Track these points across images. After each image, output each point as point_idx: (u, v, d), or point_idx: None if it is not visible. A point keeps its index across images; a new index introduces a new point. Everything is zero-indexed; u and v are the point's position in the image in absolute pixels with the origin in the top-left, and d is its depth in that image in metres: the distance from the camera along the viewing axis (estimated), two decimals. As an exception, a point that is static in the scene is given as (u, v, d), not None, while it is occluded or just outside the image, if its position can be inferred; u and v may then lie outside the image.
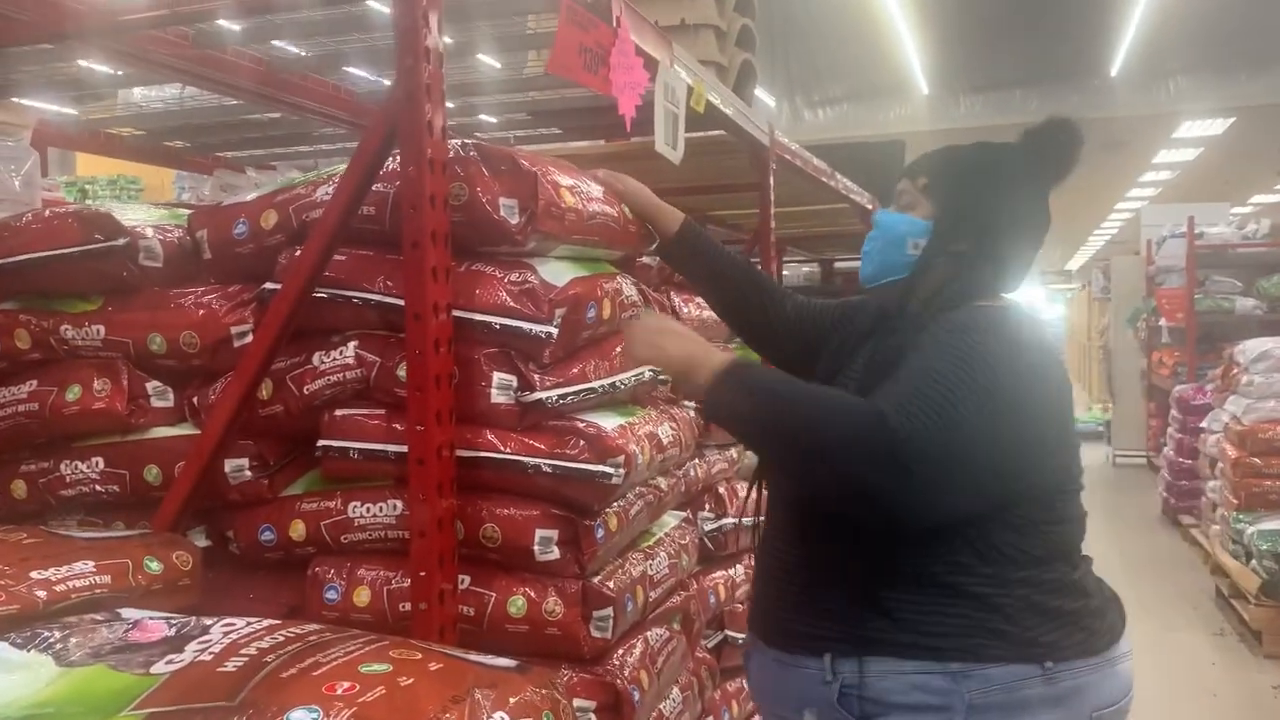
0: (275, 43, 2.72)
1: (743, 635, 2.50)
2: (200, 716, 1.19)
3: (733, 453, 2.72)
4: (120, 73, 3.09)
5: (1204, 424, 6.92)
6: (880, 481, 1.35)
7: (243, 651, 1.33)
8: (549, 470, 1.69)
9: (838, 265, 6.88)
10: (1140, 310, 9.93)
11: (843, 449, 1.37)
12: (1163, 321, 9.12)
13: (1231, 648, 5.15)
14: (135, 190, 7.71)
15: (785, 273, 6.76)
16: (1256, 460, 5.85)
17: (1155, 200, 18.48)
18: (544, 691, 1.39)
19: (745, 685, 1.90)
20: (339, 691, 1.23)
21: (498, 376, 1.69)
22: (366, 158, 1.67)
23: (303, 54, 2.82)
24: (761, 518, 1.72)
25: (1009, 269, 1.68)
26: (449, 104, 3.43)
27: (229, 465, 1.82)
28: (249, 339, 1.81)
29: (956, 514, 1.43)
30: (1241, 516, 5.65)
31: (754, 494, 1.74)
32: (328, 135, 3.67)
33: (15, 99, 3.03)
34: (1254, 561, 5.16)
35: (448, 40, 2.79)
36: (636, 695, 1.74)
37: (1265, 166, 15.25)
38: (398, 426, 1.70)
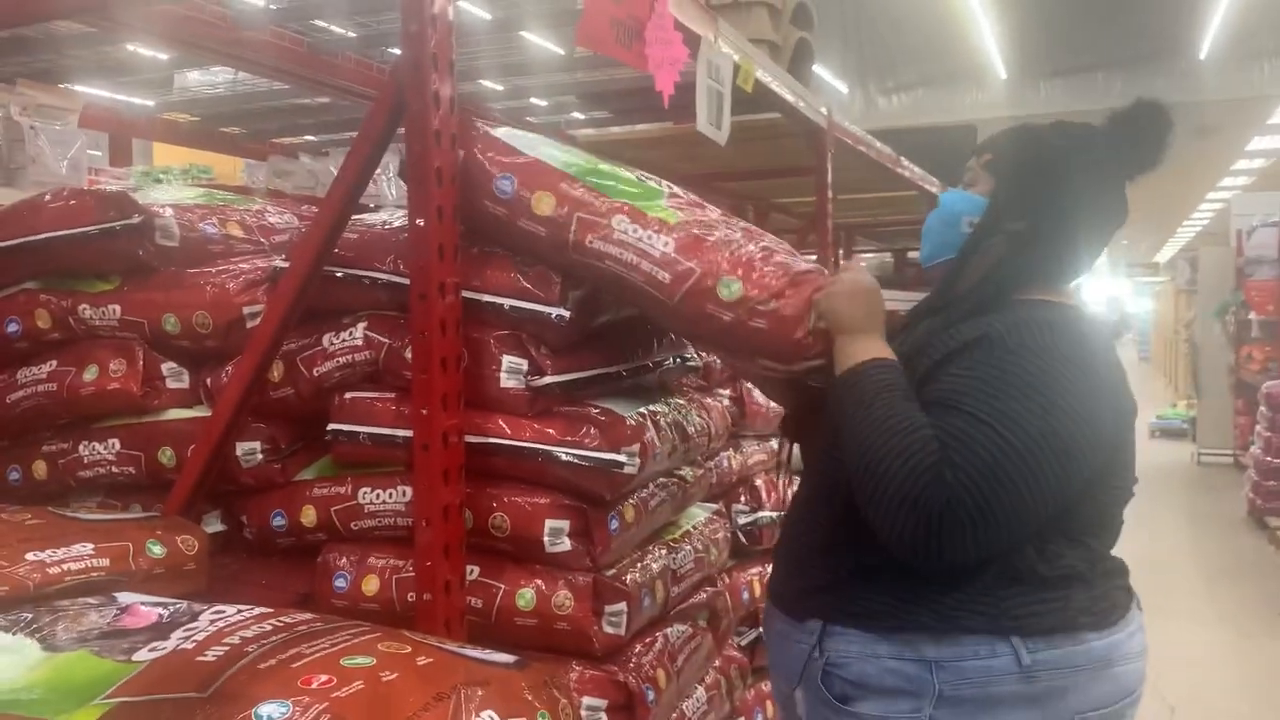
0: (317, 22, 2.70)
1: (779, 633, 2.42)
2: (168, 707, 1.15)
3: (773, 443, 2.62)
4: (166, 57, 3.11)
5: (1293, 421, 6.60)
6: (917, 533, 1.34)
7: (226, 640, 1.29)
8: (560, 458, 1.62)
9: (910, 255, 6.70)
10: (1228, 303, 9.53)
11: (894, 495, 1.35)
12: (1252, 315, 8.75)
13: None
14: (206, 179, 7.88)
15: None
16: (1348, 460, 5.55)
17: (1248, 189, 17.76)
18: (542, 690, 1.32)
19: None
20: (314, 685, 1.18)
21: (508, 360, 1.63)
22: (374, 131, 1.61)
23: (347, 34, 2.80)
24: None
25: (1069, 257, 1.56)
26: (497, 85, 3.40)
27: (241, 448, 1.79)
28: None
29: (981, 555, 1.39)
30: (1330, 519, 5.36)
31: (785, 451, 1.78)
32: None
33: (64, 84, 3.06)
34: (1343, 567, 4.89)
35: (487, 16, 2.74)
36: (651, 694, 1.67)
37: (1366, 153, 14.56)
38: (406, 411, 1.65)
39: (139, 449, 1.85)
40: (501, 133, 1.62)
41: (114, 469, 1.86)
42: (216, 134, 4.09)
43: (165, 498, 1.77)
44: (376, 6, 2.47)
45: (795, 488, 1.70)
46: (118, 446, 1.86)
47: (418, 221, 1.53)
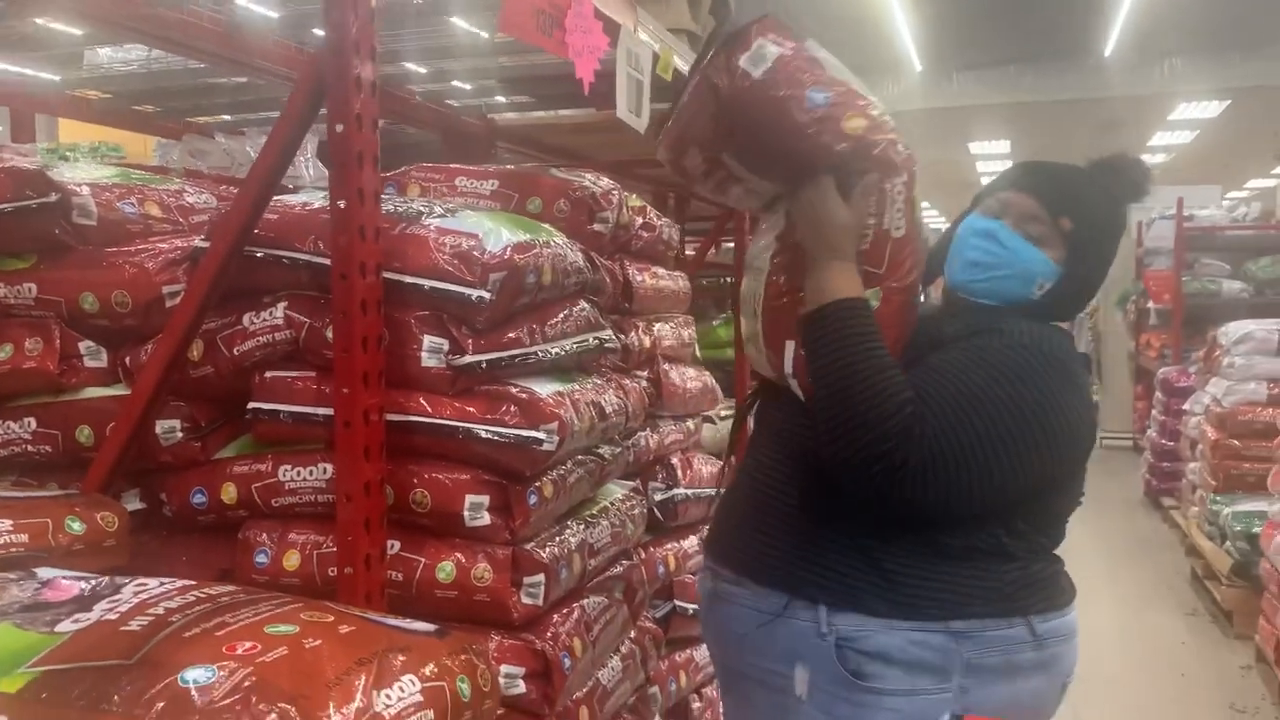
0: (239, 2, 2.68)
1: (693, 606, 2.49)
2: (95, 674, 1.17)
3: (689, 424, 2.70)
4: (80, 33, 3.05)
5: (1186, 406, 6.91)
6: (873, 476, 1.42)
7: (149, 611, 1.31)
8: (480, 435, 1.66)
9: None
10: (1129, 292, 9.90)
11: (864, 433, 1.42)
12: (1150, 304, 9.10)
13: (1203, 628, 5.16)
14: (116, 157, 7.67)
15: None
16: (1235, 442, 5.84)
17: (1154, 182, 18.38)
18: (461, 656, 1.37)
19: (703, 637, 1.84)
20: (239, 651, 1.21)
21: (428, 339, 1.67)
22: (295, 112, 1.64)
23: (269, 13, 2.78)
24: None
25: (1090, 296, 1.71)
26: (420, 68, 3.40)
27: (160, 426, 1.80)
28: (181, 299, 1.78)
29: (941, 512, 1.47)
30: (1219, 498, 5.64)
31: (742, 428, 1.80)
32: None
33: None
34: (1228, 543, 5.16)
35: (418, 0, 2.75)
36: (568, 662, 1.73)
37: (1262, 150, 15.18)
38: (327, 389, 1.68)
39: (56, 427, 1.84)
40: (821, 55, 1.57)
41: (30, 447, 1.86)
42: (129, 112, 4.01)
43: (83, 476, 1.77)
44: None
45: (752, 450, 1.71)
46: (34, 425, 1.85)
47: (339, 203, 1.56)
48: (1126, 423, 10.42)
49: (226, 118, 4.19)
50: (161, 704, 1.12)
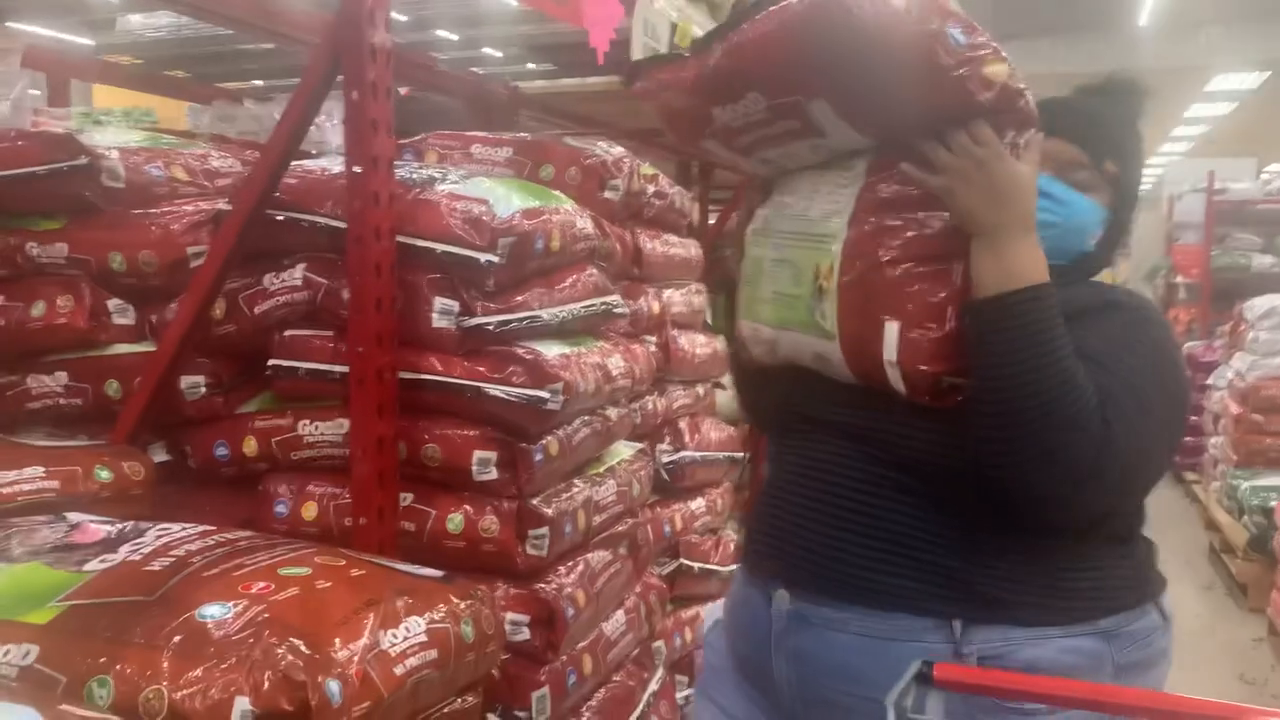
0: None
1: (699, 564, 2.56)
2: (118, 609, 1.25)
3: (699, 389, 2.76)
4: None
5: (1210, 380, 6.89)
6: (1062, 488, 1.27)
7: (171, 553, 1.39)
8: (488, 394, 1.73)
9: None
10: (1159, 266, 9.84)
11: (1072, 450, 1.25)
12: (1179, 278, 9.04)
13: (1218, 601, 5.18)
14: (149, 122, 7.78)
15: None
16: (1258, 417, 5.83)
17: (1189, 156, 18.16)
18: (466, 602, 1.44)
19: (711, 635, 1.62)
20: (254, 590, 1.29)
21: (439, 301, 1.73)
22: (313, 80, 1.70)
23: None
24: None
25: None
26: (452, 35, 3.45)
27: (185, 382, 1.88)
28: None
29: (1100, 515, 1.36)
30: (1238, 473, 5.65)
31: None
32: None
33: (8, 23, 3.07)
34: (1245, 517, 5.17)
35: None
36: (570, 611, 1.80)
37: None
38: (343, 348, 1.75)
39: (86, 381, 1.93)
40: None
41: (61, 400, 1.94)
42: (160, 77, 4.09)
43: (111, 429, 1.87)
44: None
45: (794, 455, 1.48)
46: (65, 379, 1.94)
47: (355, 169, 1.63)
48: (1153, 397, 10.37)
49: (257, 83, 4.26)
50: (179, 636, 1.20)
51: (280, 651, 1.20)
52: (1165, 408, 1.32)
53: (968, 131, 1.24)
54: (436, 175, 1.84)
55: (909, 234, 1.28)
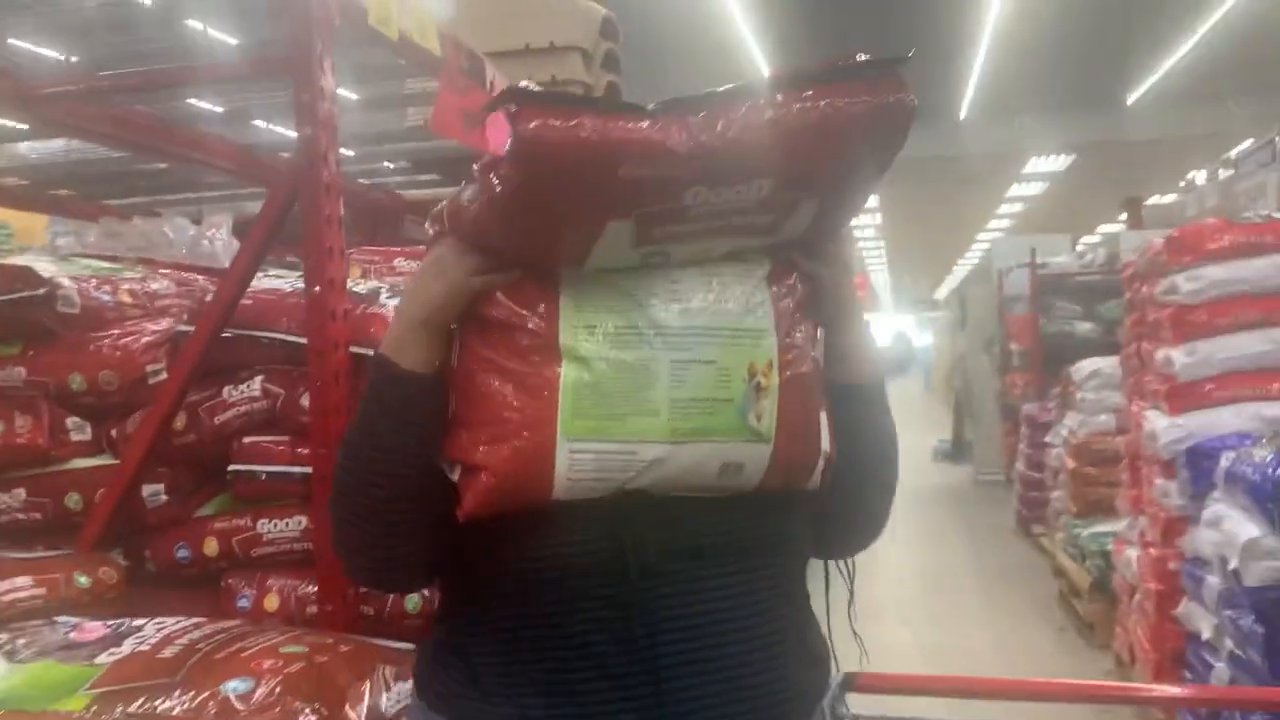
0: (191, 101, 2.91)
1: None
2: (147, 691, 1.42)
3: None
4: (19, 127, 3.23)
5: (1048, 439, 7.50)
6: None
7: (177, 641, 1.56)
8: (438, 484, 1.94)
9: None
10: (995, 336, 10.62)
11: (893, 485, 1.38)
12: (1014, 345, 9.79)
13: (1070, 641, 5.64)
14: (4, 234, 7.64)
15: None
16: (1091, 470, 6.39)
17: (1012, 230, 19.61)
18: (437, 669, 1.64)
19: None
20: (265, 666, 1.47)
21: (391, 403, 1.94)
22: (271, 212, 1.91)
23: (215, 108, 3.02)
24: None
25: None
26: (351, 151, 3.67)
27: (146, 490, 2.02)
28: (163, 376, 2.02)
29: None
30: (1078, 522, 6.17)
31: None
32: (213, 183, 3.84)
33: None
34: (1087, 562, 5.67)
35: (354, 96, 3.04)
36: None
37: (1108, 199, 16.43)
38: (302, 450, 1.93)
39: (46, 495, 2.05)
40: None
41: (20, 515, 2.05)
42: (46, 196, 4.16)
43: (67, 539, 2.00)
44: (243, 88, 2.72)
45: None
46: (24, 495, 2.05)
47: (315, 288, 1.84)
48: (998, 459, 11.10)
49: (141, 199, 4.36)
50: (213, 707, 1.37)
51: (305, 715, 1.39)
52: None
53: None
54: (378, 288, 2.06)
55: (812, 325, 1.28)
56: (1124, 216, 10.58)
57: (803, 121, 1.09)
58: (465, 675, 1.23)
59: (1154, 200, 11.13)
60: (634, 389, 1.16)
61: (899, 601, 6.43)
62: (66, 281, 2.09)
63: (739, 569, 1.23)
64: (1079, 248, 11.19)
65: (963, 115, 12.29)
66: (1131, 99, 12.59)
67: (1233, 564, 2.91)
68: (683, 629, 1.18)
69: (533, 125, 1.02)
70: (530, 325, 1.16)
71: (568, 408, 1.14)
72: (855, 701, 1.39)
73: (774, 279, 1.24)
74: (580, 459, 1.14)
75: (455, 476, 1.16)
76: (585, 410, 1.14)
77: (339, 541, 1.24)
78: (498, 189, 1.07)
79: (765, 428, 1.20)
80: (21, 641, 1.58)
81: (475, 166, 1.11)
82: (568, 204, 1.10)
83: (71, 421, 2.08)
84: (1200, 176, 7.44)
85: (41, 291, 2.03)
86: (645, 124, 1.07)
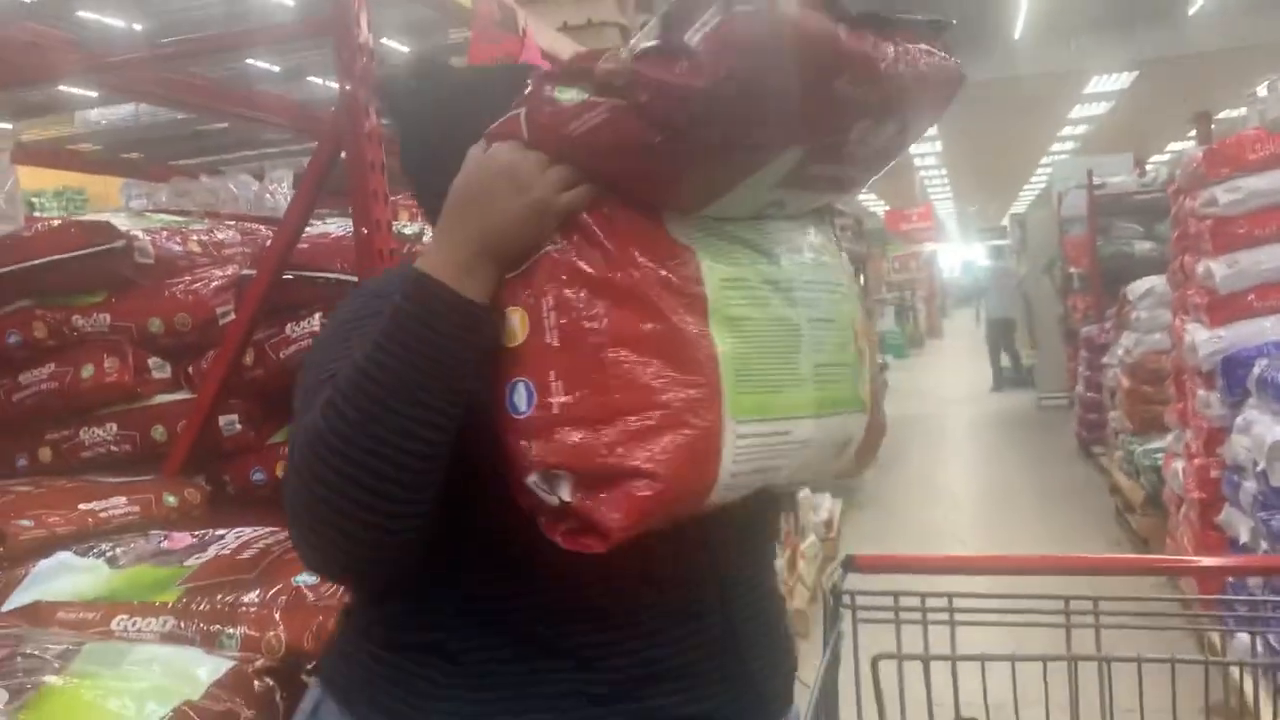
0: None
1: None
2: (228, 585, 1.62)
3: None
4: (90, 95, 3.45)
5: (1105, 359, 7.49)
6: None
7: (254, 545, 1.76)
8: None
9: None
10: (1053, 259, 10.52)
11: None
12: (1072, 269, 9.71)
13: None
14: (81, 200, 8.00)
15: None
16: (1147, 388, 6.39)
17: (1075, 153, 19.19)
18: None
19: None
20: (330, 565, 1.66)
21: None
22: (319, 165, 2.08)
23: (272, 68, 3.19)
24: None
25: None
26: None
27: (222, 420, 2.23)
28: (231, 317, 2.22)
29: None
30: (1134, 440, 6.20)
31: None
32: (273, 140, 4.04)
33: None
34: (1141, 477, 5.71)
35: (404, 49, 3.19)
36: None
37: (1176, 116, 15.99)
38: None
39: (134, 429, 2.27)
40: None
41: (113, 448, 2.28)
42: (119, 160, 4.40)
43: (152, 468, 2.21)
44: (297, 47, 2.88)
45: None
46: (115, 429, 2.27)
47: (362, 230, 2.01)
48: (1062, 382, 11.05)
49: (208, 159, 4.59)
50: (285, 597, 1.57)
51: (366, 599, 1.57)
52: None
53: None
54: (422, 229, 2.23)
55: None
56: (1193, 133, 10.34)
57: (926, 71, 0.97)
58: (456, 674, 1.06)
59: (1224, 114, 10.86)
60: (785, 354, 0.98)
61: (955, 524, 6.55)
62: (141, 234, 2.29)
63: (752, 553, 1.19)
64: (1149, 166, 10.98)
65: (1017, 35, 12.04)
66: (1193, 9, 12.22)
67: (1260, 465, 2.99)
68: (745, 589, 1.15)
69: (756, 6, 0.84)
70: (675, 280, 0.92)
71: (730, 381, 0.92)
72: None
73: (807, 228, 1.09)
74: (745, 446, 0.93)
75: (564, 497, 0.89)
76: (747, 383, 0.93)
77: (319, 519, 0.98)
78: (686, 84, 0.85)
79: (868, 396, 1.06)
80: (120, 550, 1.80)
81: (608, 66, 0.90)
82: (765, 113, 0.88)
83: (153, 361, 2.28)
84: (1262, 89, 7.27)
85: (120, 244, 2.23)
86: (866, 38, 0.90)
